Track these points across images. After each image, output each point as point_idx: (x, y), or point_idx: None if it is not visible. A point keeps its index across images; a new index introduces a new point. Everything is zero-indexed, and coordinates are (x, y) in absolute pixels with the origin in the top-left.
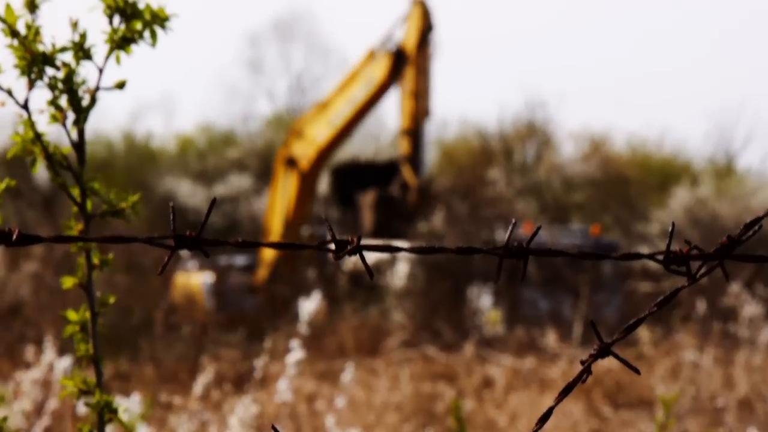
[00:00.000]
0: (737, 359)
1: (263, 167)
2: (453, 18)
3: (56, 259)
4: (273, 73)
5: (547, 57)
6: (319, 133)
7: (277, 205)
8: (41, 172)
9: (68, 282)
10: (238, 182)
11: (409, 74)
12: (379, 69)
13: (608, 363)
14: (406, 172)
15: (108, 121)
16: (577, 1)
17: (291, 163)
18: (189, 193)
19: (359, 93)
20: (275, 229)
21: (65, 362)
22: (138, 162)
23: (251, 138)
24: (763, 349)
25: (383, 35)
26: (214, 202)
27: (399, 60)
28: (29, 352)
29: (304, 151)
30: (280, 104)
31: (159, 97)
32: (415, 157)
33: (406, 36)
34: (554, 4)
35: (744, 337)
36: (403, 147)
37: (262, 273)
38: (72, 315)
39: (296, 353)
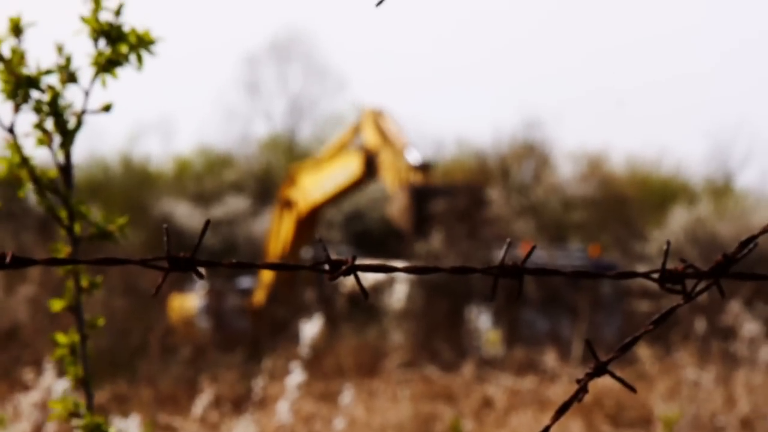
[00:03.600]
0: (737, 378)
1: (261, 189)
2: (448, 37)
3: (53, 282)
4: (270, 95)
5: (544, 76)
6: (312, 189)
7: (275, 236)
8: (35, 195)
9: (57, 305)
10: (236, 204)
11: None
12: (355, 164)
13: (608, 382)
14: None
15: (105, 143)
16: (573, 22)
17: (287, 204)
18: (186, 215)
19: (340, 176)
20: (273, 256)
21: (63, 384)
22: (135, 184)
23: (249, 160)
24: (764, 368)
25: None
26: (208, 224)
27: (370, 162)
28: (28, 374)
29: (299, 199)
30: (277, 126)
31: (157, 119)
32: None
33: (367, 140)
34: (550, 24)
35: (744, 356)
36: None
37: (259, 295)
38: (61, 338)
39: (297, 375)
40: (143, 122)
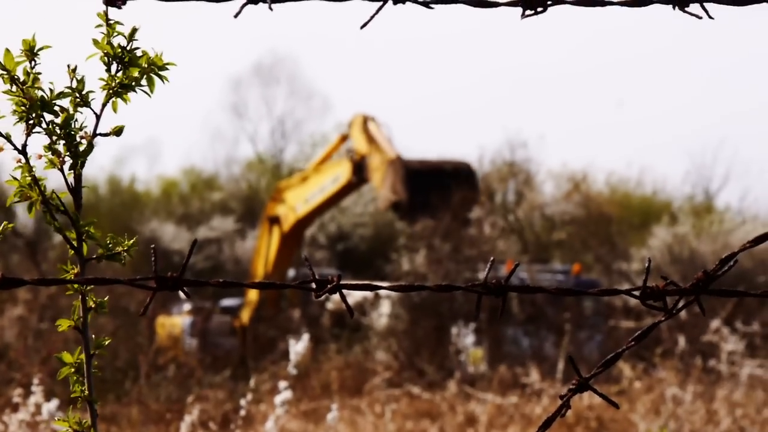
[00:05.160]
0: (718, 395)
1: (246, 210)
2: (433, 59)
3: (41, 303)
4: (256, 117)
5: (527, 97)
6: (297, 204)
7: (261, 254)
8: (23, 218)
9: (64, 324)
10: (222, 225)
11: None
12: (343, 171)
13: (590, 399)
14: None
15: (93, 165)
16: (556, 42)
17: (274, 221)
18: (173, 236)
19: (329, 185)
20: (259, 275)
21: (52, 405)
22: (122, 206)
23: (234, 181)
24: (744, 385)
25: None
26: (195, 244)
27: (359, 166)
28: (16, 394)
29: (286, 214)
30: (263, 147)
31: (144, 142)
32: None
33: (356, 145)
34: (534, 45)
35: (725, 373)
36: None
37: (245, 314)
38: (67, 357)
39: (283, 394)
40: (130, 144)
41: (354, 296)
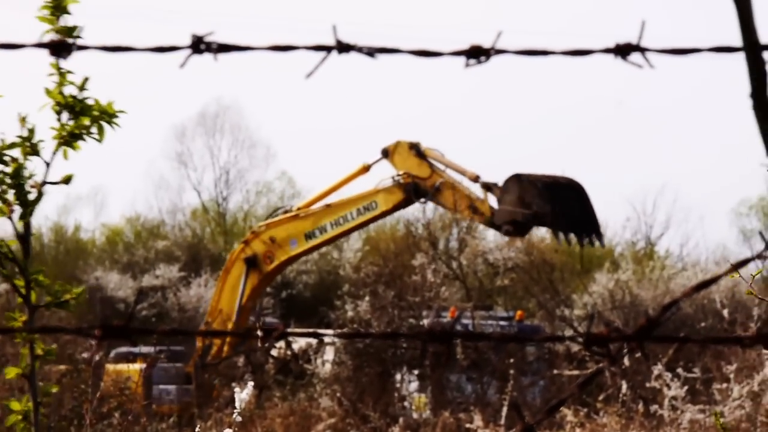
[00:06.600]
0: None
1: (191, 258)
2: (373, 106)
3: None
4: (200, 166)
5: (468, 143)
6: (293, 241)
7: (227, 295)
8: None
9: (11, 372)
10: (166, 273)
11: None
12: (382, 199)
13: None
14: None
15: (38, 214)
16: (486, 84)
17: (250, 261)
18: (117, 284)
19: (353, 216)
20: (227, 317)
21: None
22: (67, 254)
23: (179, 229)
24: (686, 430)
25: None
26: (140, 293)
27: (414, 191)
28: None
29: (272, 253)
30: (207, 196)
31: (89, 191)
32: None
33: (409, 169)
34: (475, 93)
35: (667, 418)
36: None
37: (193, 362)
38: (14, 404)
39: None
40: (76, 193)
41: (298, 342)
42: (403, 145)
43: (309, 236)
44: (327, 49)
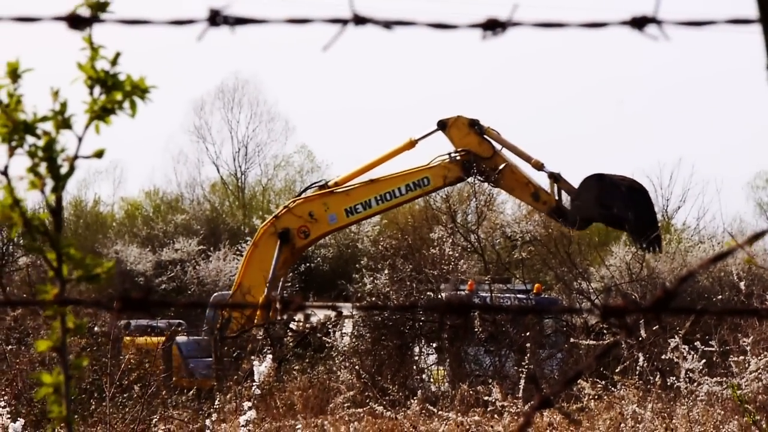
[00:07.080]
0: (678, 412)
1: (209, 231)
2: (394, 80)
3: (6, 325)
4: (219, 140)
5: (486, 116)
6: (332, 216)
7: (254, 269)
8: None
9: (42, 345)
10: (185, 246)
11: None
12: (434, 175)
13: (551, 417)
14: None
15: None
16: (508, 60)
17: (283, 235)
18: (137, 257)
19: (401, 192)
20: (256, 290)
21: (18, 425)
22: (87, 228)
23: (198, 203)
24: (703, 402)
25: (425, 130)
26: (160, 266)
27: (469, 166)
28: None
29: (306, 228)
30: (225, 170)
31: (108, 165)
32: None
33: (469, 145)
34: (485, 64)
35: (684, 390)
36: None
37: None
38: (47, 377)
39: (248, 413)
40: (95, 168)
41: (317, 316)
42: (462, 120)
43: (350, 211)
44: (343, 21)
